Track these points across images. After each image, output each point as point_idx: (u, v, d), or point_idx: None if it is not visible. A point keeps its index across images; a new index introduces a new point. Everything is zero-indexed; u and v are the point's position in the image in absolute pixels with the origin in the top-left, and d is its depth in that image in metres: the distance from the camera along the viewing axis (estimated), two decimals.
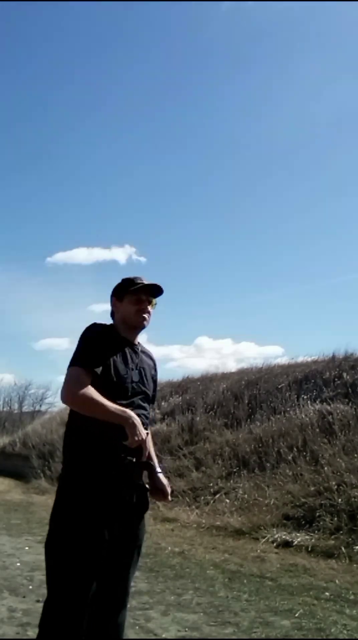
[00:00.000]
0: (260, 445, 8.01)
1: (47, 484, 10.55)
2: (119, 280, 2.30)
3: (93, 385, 2.05)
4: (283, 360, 11.85)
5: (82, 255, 50.07)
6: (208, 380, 12.15)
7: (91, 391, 2.02)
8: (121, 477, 2.04)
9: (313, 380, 9.33)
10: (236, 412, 9.59)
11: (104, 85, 40.63)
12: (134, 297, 2.21)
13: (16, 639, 3.05)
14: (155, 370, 2.38)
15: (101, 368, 2.09)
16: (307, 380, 9.50)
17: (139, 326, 2.25)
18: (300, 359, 11.15)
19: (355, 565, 4.79)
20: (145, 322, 2.26)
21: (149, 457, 2.18)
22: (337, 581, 4.36)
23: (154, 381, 2.35)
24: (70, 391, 2.05)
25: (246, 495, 6.92)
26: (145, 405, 2.20)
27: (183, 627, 3.34)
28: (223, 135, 41.34)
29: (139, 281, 2.23)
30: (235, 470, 7.79)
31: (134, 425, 1.98)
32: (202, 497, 7.48)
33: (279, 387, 9.70)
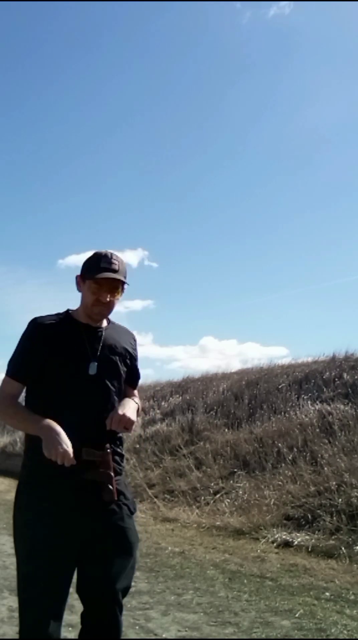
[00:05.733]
0: (260, 445, 8.01)
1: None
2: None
3: (35, 390, 1.95)
4: (286, 360, 11.85)
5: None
6: (208, 380, 12.15)
7: (6, 406, 1.91)
8: (59, 473, 1.79)
9: (313, 380, 9.33)
10: (236, 412, 9.59)
11: (119, 89, 40.67)
12: (94, 284, 1.94)
13: (16, 639, 3.06)
14: (133, 349, 2.13)
15: (28, 378, 1.94)
16: (307, 380, 9.50)
17: (94, 319, 2.00)
18: (300, 359, 11.17)
19: (355, 565, 4.79)
20: (99, 317, 2.01)
21: (101, 473, 1.85)
22: (337, 581, 4.36)
23: (130, 365, 2.09)
24: None
25: (246, 495, 6.92)
26: (108, 400, 1.94)
27: (183, 627, 3.34)
28: (230, 138, 41.34)
29: (104, 266, 1.92)
30: (235, 470, 7.79)
31: (49, 440, 1.74)
32: (202, 497, 7.48)
33: (279, 387, 9.70)
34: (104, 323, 2.07)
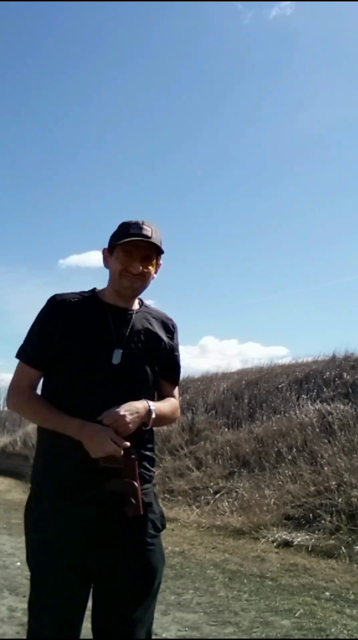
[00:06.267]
0: (260, 445, 8.01)
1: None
2: None
3: (49, 379, 1.69)
4: (286, 360, 11.85)
5: (95, 258, 50.03)
6: (208, 380, 12.15)
7: (25, 400, 1.67)
8: (75, 484, 1.59)
9: (313, 380, 9.33)
10: (236, 412, 9.59)
11: (120, 90, 40.66)
12: (122, 252, 1.66)
13: (16, 639, 3.06)
14: (170, 337, 1.81)
15: (45, 363, 1.67)
16: (307, 380, 9.50)
17: (123, 295, 1.71)
18: (300, 359, 11.17)
19: (355, 565, 4.79)
20: (129, 292, 1.71)
21: (131, 474, 1.58)
22: (336, 581, 4.36)
23: (165, 356, 1.78)
24: (7, 396, 1.71)
25: (246, 495, 6.92)
26: (133, 395, 1.63)
27: (183, 627, 3.34)
28: (230, 138, 41.34)
29: (134, 232, 1.64)
30: (235, 470, 7.79)
31: (88, 439, 1.53)
32: (202, 497, 7.48)
33: (279, 387, 9.70)
34: (136, 305, 1.78)
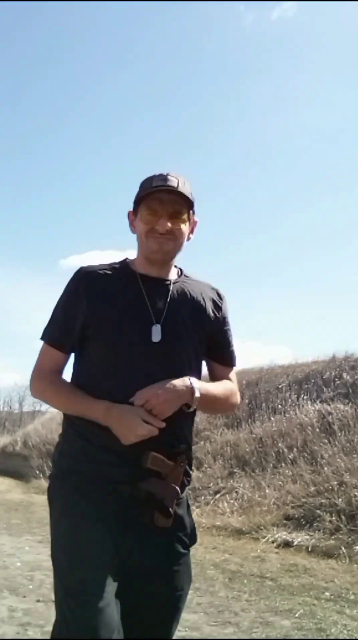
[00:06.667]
0: (260, 445, 8.02)
1: (47, 483, 10.55)
2: None
3: (79, 363, 1.51)
4: (286, 360, 11.85)
5: (96, 258, 50.01)
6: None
7: (47, 384, 1.50)
8: (109, 478, 1.39)
9: (313, 380, 9.33)
10: (236, 412, 9.59)
11: (121, 91, 40.68)
12: (146, 209, 1.44)
13: (16, 639, 3.06)
14: (217, 310, 1.56)
15: (73, 345, 1.49)
16: (307, 380, 9.51)
17: (153, 261, 1.48)
18: (300, 359, 11.17)
19: (355, 565, 4.79)
20: (159, 256, 1.46)
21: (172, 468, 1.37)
22: (336, 581, 4.36)
23: (214, 332, 1.54)
24: (30, 381, 1.55)
25: (246, 495, 6.92)
26: (181, 373, 1.41)
27: (183, 627, 3.34)
28: (230, 138, 41.32)
29: (157, 184, 1.41)
30: (235, 470, 7.80)
31: (116, 422, 1.34)
32: (202, 497, 7.48)
33: (279, 387, 9.70)
34: (174, 274, 1.55)
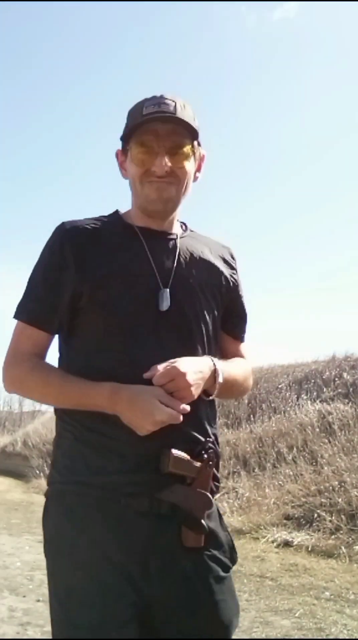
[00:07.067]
0: (260, 445, 8.02)
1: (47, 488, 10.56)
2: None
3: (69, 342, 1.18)
4: (286, 360, 11.87)
5: None
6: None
7: (26, 370, 1.15)
8: (120, 489, 1.08)
9: (313, 380, 9.34)
10: (236, 411, 9.60)
11: (122, 91, 40.77)
12: (138, 147, 1.13)
13: (16, 639, 3.06)
14: (230, 272, 1.27)
15: (57, 326, 1.18)
16: (307, 380, 9.51)
17: (152, 210, 1.17)
18: (300, 359, 11.18)
19: (355, 565, 4.79)
20: (159, 204, 1.15)
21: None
22: (336, 581, 4.36)
23: (227, 298, 1.25)
24: (2, 371, 1.20)
25: (246, 495, 6.92)
26: (196, 351, 1.14)
27: None
28: (231, 139, 41.41)
29: (149, 111, 1.10)
30: (235, 470, 7.79)
31: (127, 407, 1.04)
32: None
33: (279, 387, 9.71)
34: (178, 229, 1.25)
